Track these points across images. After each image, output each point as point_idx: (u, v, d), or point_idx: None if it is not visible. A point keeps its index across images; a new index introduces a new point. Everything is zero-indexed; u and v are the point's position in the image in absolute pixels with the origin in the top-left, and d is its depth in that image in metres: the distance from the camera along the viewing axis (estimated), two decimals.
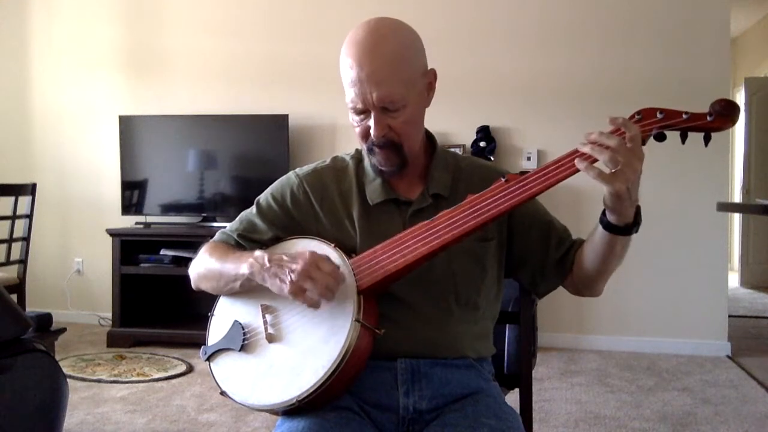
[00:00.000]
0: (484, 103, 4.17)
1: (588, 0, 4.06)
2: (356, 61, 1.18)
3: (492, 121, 4.13)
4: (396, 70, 1.19)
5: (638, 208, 1.14)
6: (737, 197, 6.75)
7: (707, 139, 1.10)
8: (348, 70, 1.20)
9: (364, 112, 1.22)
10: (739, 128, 6.46)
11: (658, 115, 1.09)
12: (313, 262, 1.13)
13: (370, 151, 1.27)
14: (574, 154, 1.09)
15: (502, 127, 4.14)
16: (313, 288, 1.12)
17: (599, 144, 1.05)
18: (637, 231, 1.16)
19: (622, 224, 1.14)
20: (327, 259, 1.15)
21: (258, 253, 1.21)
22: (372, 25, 1.21)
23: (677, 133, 1.10)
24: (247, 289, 1.25)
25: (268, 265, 1.17)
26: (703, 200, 3.86)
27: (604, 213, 1.15)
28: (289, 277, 1.13)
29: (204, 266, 1.32)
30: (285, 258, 1.16)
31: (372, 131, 1.22)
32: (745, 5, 6.34)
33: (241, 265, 1.22)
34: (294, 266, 1.13)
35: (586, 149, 1.06)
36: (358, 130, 1.25)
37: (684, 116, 1.08)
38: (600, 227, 1.17)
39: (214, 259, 1.30)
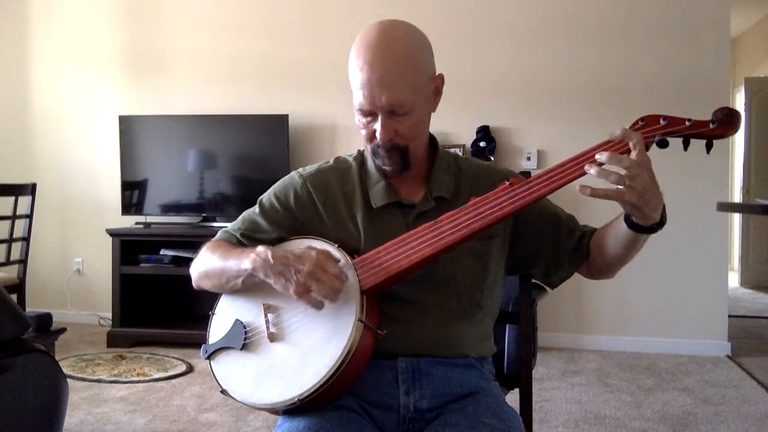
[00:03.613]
0: (484, 103, 4.17)
1: (588, 0, 4.07)
2: (366, 63, 1.18)
3: (492, 121, 4.13)
4: (405, 75, 1.19)
5: (663, 206, 1.13)
6: (737, 197, 6.75)
7: (709, 147, 1.10)
8: (357, 72, 1.20)
9: (371, 115, 1.22)
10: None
11: (662, 122, 1.09)
12: (320, 264, 1.13)
13: (374, 153, 1.27)
14: (580, 158, 1.10)
15: (502, 127, 4.14)
16: (318, 289, 1.12)
17: (605, 169, 1.05)
18: (662, 228, 1.15)
19: (648, 225, 1.13)
20: (332, 259, 1.16)
21: (260, 248, 1.20)
22: (383, 27, 1.22)
23: (679, 139, 1.10)
24: (249, 286, 1.24)
25: (272, 261, 1.16)
26: (703, 200, 3.86)
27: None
28: (295, 277, 1.13)
29: (205, 264, 1.32)
30: (290, 257, 1.16)
31: (378, 135, 1.22)
32: (745, 5, 6.33)
33: (244, 261, 1.21)
34: (300, 266, 1.13)
35: (593, 171, 1.06)
36: (364, 132, 1.26)
37: (687, 123, 1.08)
38: (624, 225, 1.16)
39: (216, 257, 1.29)
